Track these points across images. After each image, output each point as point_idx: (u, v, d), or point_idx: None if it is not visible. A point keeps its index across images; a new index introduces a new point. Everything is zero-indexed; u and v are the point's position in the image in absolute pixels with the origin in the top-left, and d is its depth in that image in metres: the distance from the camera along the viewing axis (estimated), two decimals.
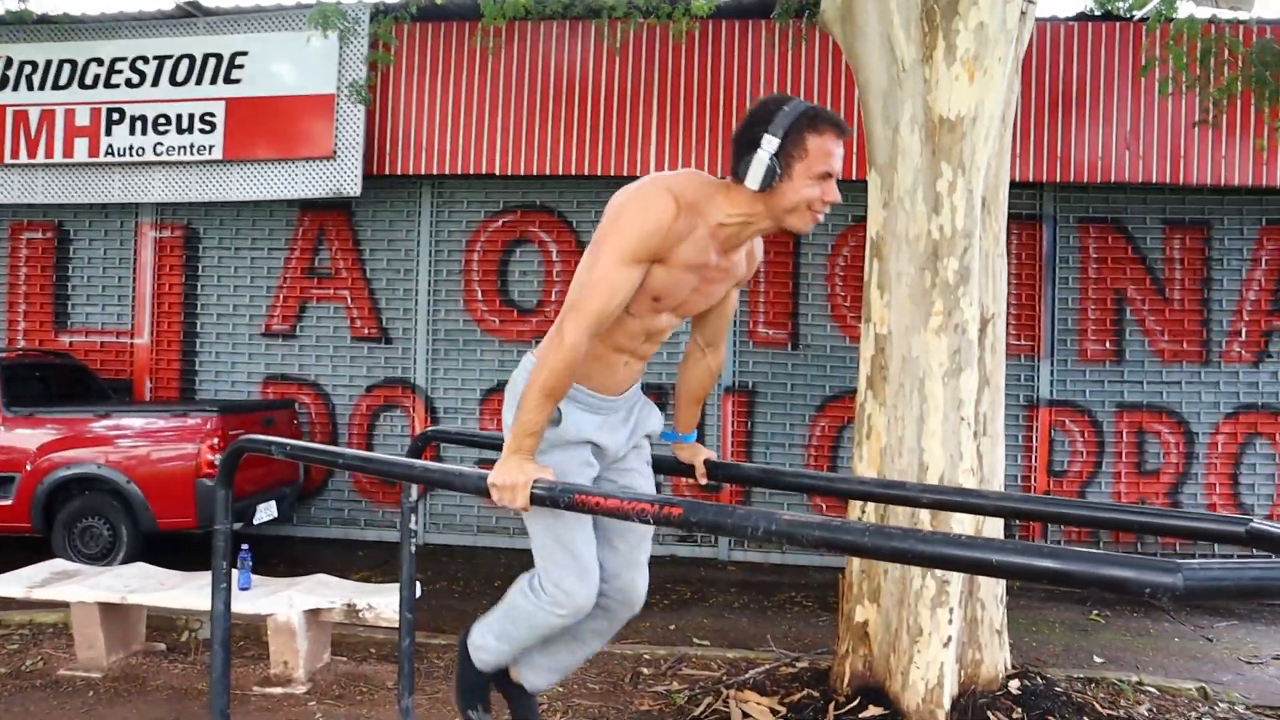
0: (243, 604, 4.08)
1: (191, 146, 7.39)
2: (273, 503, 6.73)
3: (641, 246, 2.18)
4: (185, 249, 8.11)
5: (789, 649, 4.86)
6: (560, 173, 7.36)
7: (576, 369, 2.21)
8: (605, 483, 2.49)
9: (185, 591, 4.37)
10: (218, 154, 7.36)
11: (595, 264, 2.19)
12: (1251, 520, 1.94)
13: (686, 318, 2.49)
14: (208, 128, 7.37)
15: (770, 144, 2.15)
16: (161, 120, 7.42)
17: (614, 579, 2.54)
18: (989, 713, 3.64)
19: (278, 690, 4.15)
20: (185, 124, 7.40)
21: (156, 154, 7.42)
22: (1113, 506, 3.60)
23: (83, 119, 7.49)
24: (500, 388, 7.72)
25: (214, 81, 7.42)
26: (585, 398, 2.39)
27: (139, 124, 7.45)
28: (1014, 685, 3.84)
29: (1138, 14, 6.83)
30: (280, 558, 6.90)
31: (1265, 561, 1.45)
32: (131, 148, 7.45)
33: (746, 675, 4.22)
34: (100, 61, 7.52)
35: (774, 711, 3.74)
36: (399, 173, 7.52)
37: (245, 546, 4.45)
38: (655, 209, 2.18)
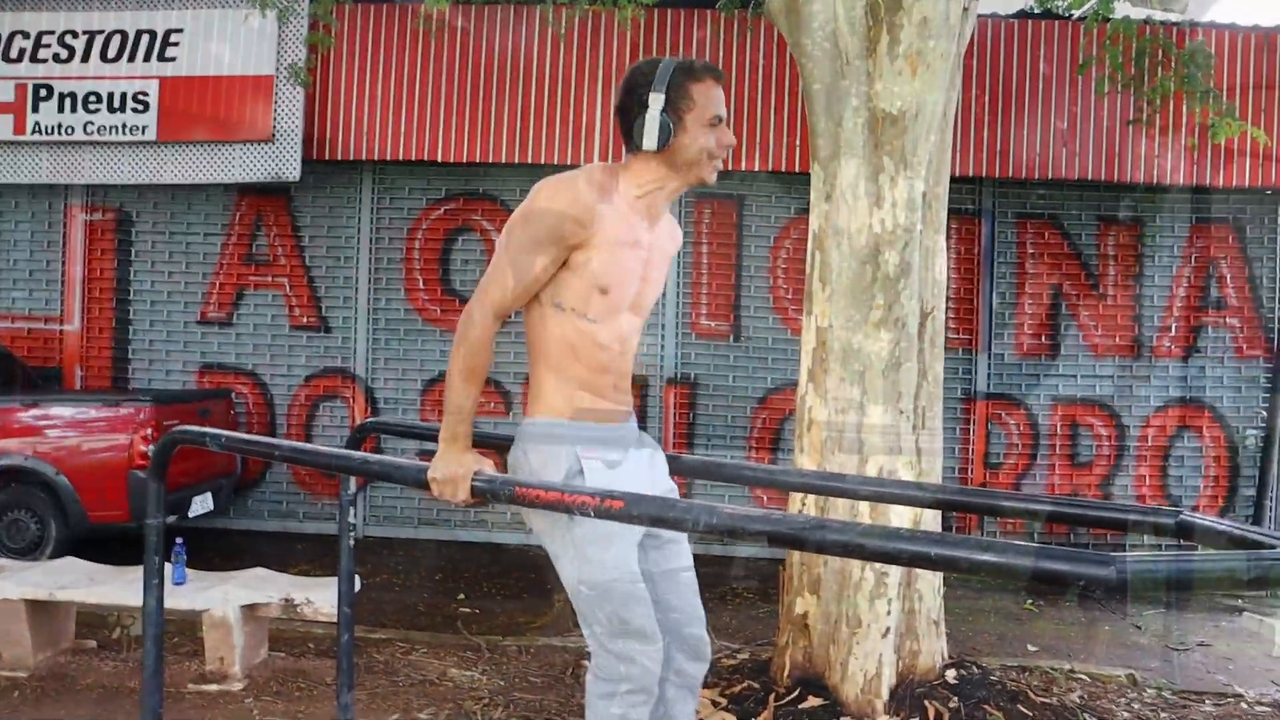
0: (177, 599, 3.99)
1: (124, 126, 7.16)
2: (208, 495, 6.59)
3: (554, 228, 2.18)
4: (117, 233, 7.88)
5: (730, 640, 4.88)
6: (504, 160, 7.28)
7: (491, 347, 2.22)
8: (649, 553, 2.43)
9: (117, 587, 4.26)
10: (151, 135, 7.13)
11: (506, 246, 2.23)
12: (1181, 512, 1.98)
13: (645, 319, 2.45)
14: (140, 107, 7.15)
15: (657, 101, 2.24)
16: (92, 98, 7.17)
17: (682, 632, 2.44)
18: (926, 702, 3.69)
19: (213, 687, 4.07)
20: (117, 103, 7.15)
21: (87, 133, 7.16)
22: (1050, 499, 3.67)
23: (6, 94, 7.21)
24: (442, 378, 7.62)
25: (147, 59, 7.17)
26: (595, 430, 2.31)
27: (68, 101, 7.18)
28: (951, 675, 3.90)
29: (1076, 13, 6.96)
30: (217, 551, 6.75)
31: (1194, 553, 1.48)
32: (60, 126, 7.19)
33: None
34: (26, 35, 7.23)
35: (715, 703, 3.75)
36: (339, 158, 7.38)
37: (179, 540, 4.36)
38: (565, 192, 2.21)
